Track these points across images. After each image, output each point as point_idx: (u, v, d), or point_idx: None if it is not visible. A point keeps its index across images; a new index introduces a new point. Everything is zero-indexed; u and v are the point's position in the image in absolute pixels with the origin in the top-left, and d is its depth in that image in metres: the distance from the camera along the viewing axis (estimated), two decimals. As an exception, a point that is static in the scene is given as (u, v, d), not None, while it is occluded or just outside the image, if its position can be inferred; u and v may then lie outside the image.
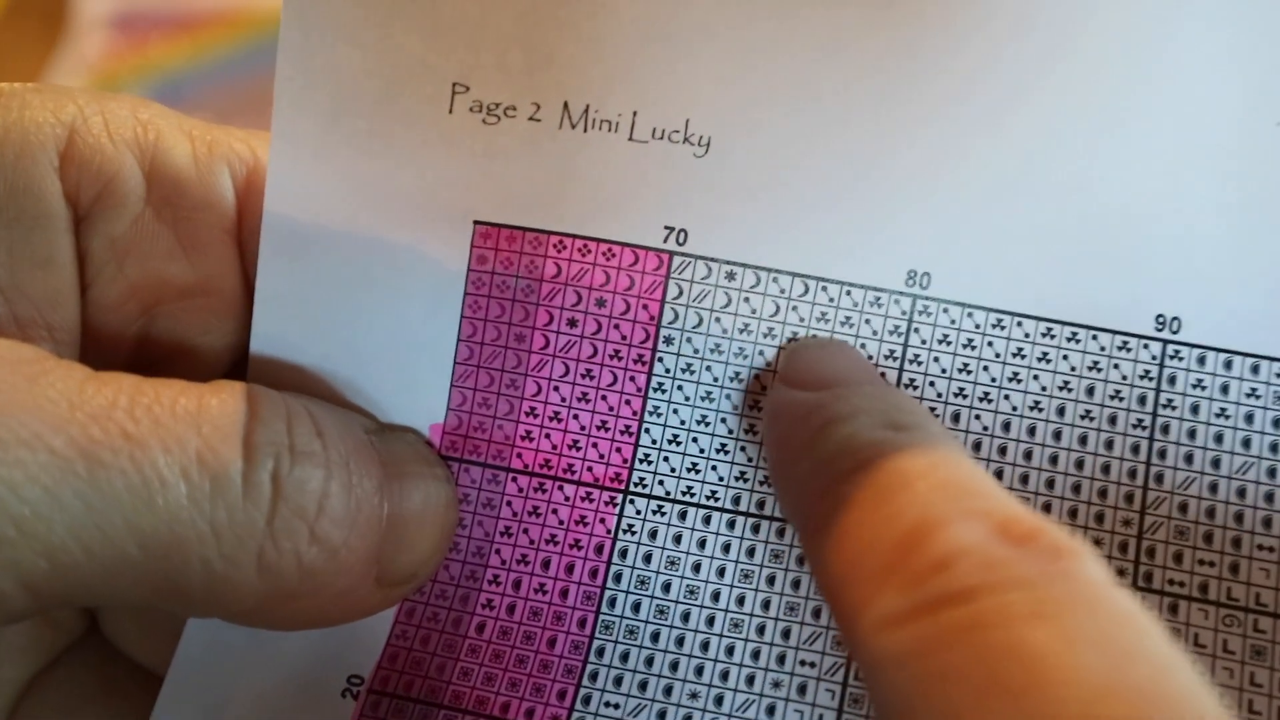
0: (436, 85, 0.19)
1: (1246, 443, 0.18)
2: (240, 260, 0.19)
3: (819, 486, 0.16)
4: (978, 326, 0.19)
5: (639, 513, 0.19)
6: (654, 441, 0.19)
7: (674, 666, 0.19)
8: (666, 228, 0.19)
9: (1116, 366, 0.19)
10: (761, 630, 0.19)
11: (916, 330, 0.19)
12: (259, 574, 0.16)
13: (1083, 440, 0.19)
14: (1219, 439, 0.19)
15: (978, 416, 0.19)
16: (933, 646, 0.13)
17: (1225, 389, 0.19)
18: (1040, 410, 0.19)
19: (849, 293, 0.19)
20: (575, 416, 0.19)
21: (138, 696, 0.20)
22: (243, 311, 0.20)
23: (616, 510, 0.19)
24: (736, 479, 0.19)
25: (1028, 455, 0.19)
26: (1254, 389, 0.18)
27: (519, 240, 0.19)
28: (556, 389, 0.19)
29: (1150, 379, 0.19)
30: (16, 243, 0.17)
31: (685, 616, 0.19)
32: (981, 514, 0.14)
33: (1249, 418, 0.18)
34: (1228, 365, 0.19)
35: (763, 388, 0.19)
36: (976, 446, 0.19)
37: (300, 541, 0.16)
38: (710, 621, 0.19)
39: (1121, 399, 0.19)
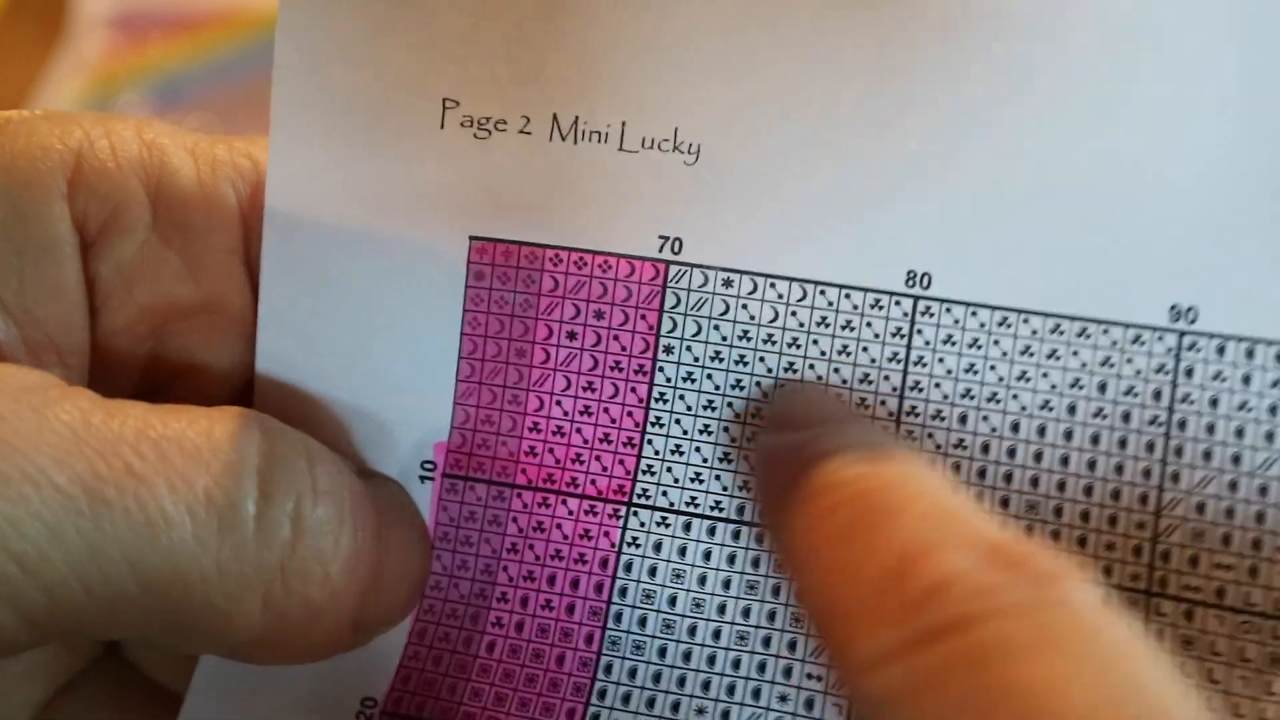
0: (427, 101, 0.18)
1: (1270, 436, 0.18)
2: (249, 278, 0.19)
3: (807, 523, 0.15)
4: (982, 325, 0.18)
5: (643, 525, 0.19)
6: (657, 452, 0.19)
7: (681, 682, 0.19)
8: (661, 237, 0.19)
9: (1130, 361, 0.18)
10: (767, 643, 0.19)
11: (919, 331, 0.18)
12: (261, 614, 0.16)
13: (1095, 439, 0.18)
14: (1240, 433, 0.18)
15: (985, 418, 0.18)
16: (928, 683, 0.12)
17: (1247, 380, 0.18)
18: (1050, 409, 0.18)
19: (848, 296, 0.18)
20: (578, 430, 0.19)
21: (157, 719, 0.20)
22: (253, 330, 0.20)
23: (620, 523, 0.19)
24: (740, 489, 0.19)
25: (1038, 457, 0.18)
26: (1279, 379, 0.18)
27: (515, 255, 0.19)
28: (559, 403, 0.19)
29: (1166, 372, 0.18)
30: (27, 268, 0.18)
31: (691, 630, 0.19)
32: (970, 540, 0.14)
33: (1273, 409, 0.18)
34: (1250, 354, 0.18)
35: (764, 395, 0.19)
36: (985, 449, 0.18)
37: (312, 585, 0.16)
38: (716, 635, 0.19)
39: (1136, 394, 0.18)
